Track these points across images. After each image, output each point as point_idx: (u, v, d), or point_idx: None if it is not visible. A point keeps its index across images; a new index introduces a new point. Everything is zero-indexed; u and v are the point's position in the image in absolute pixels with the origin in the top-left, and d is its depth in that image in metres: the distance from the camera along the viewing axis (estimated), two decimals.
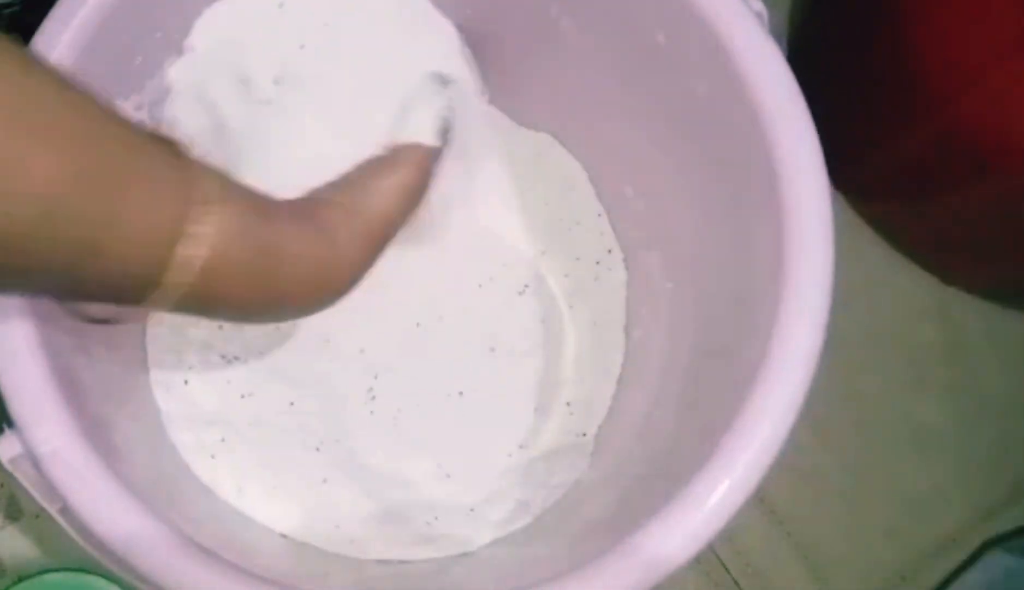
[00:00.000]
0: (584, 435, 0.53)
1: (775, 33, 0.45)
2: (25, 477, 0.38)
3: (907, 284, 0.71)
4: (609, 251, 0.56)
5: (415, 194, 0.43)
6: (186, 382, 0.52)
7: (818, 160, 0.41)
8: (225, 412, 0.52)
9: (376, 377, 0.53)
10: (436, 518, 0.50)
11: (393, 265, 0.53)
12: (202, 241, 0.32)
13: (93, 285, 0.31)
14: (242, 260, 0.34)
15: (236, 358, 0.53)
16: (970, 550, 0.67)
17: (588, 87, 0.53)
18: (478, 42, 0.52)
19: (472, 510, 0.51)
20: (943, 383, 0.70)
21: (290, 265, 0.36)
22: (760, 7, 0.44)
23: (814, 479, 0.68)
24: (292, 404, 0.53)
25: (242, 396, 0.52)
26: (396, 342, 0.54)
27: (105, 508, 0.37)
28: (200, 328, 0.52)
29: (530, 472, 0.52)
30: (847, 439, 0.69)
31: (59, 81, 0.29)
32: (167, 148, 0.32)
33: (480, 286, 0.55)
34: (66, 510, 0.38)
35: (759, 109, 0.42)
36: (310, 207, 0.39)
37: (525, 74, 0.55)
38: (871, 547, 0.67)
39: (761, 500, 0.67)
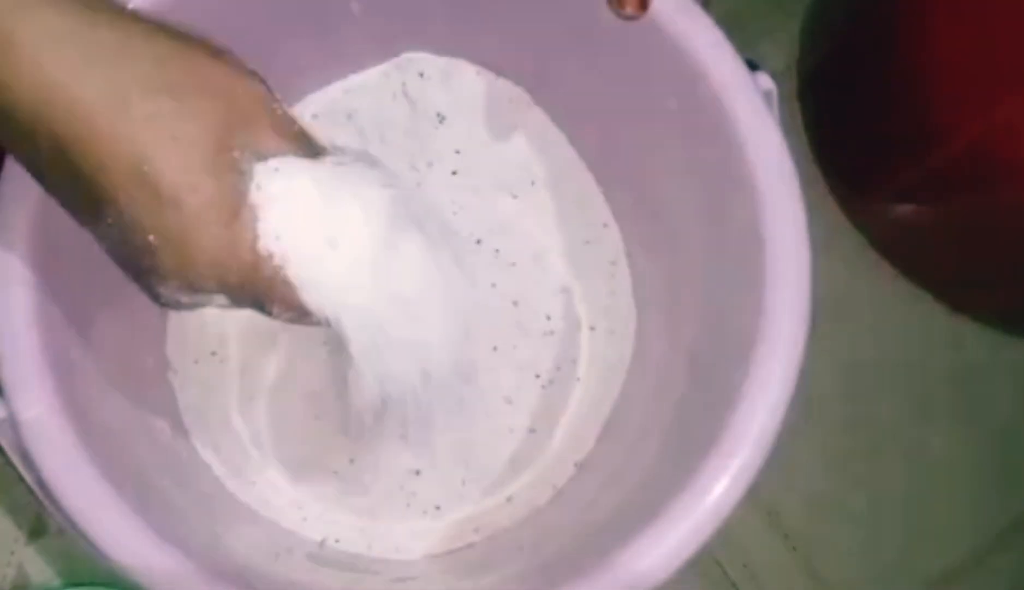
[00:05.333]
0: (575, 465, 0.55)
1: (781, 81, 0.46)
2: (7, 443, 0.40)
3: (918, 313, 0.71)
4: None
5: None
6: (196, 361, 0.54)
7: (803, 236, 0.43)
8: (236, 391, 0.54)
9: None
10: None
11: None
12: None
13: None
14: None
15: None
16: (980, 577, 0.67)
17: (604, 141, 0.55)
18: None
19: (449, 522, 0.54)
20: (954, 411, 0.70)
21: None
22: (770, 85, 0.45)
23: (826, 504, 0.68)
24: (310, 394, 0.55)
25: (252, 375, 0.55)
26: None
27: (72, 480, 0.38)
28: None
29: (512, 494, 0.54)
30: (859, 465, 0.69)
31: None
32: None
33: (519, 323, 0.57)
34: (41, 481, 0.39)
35: (754, 186, 0.43)
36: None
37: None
38: (882, 572, 0.67)
39: (774, 523, 0.67)
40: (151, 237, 0.33)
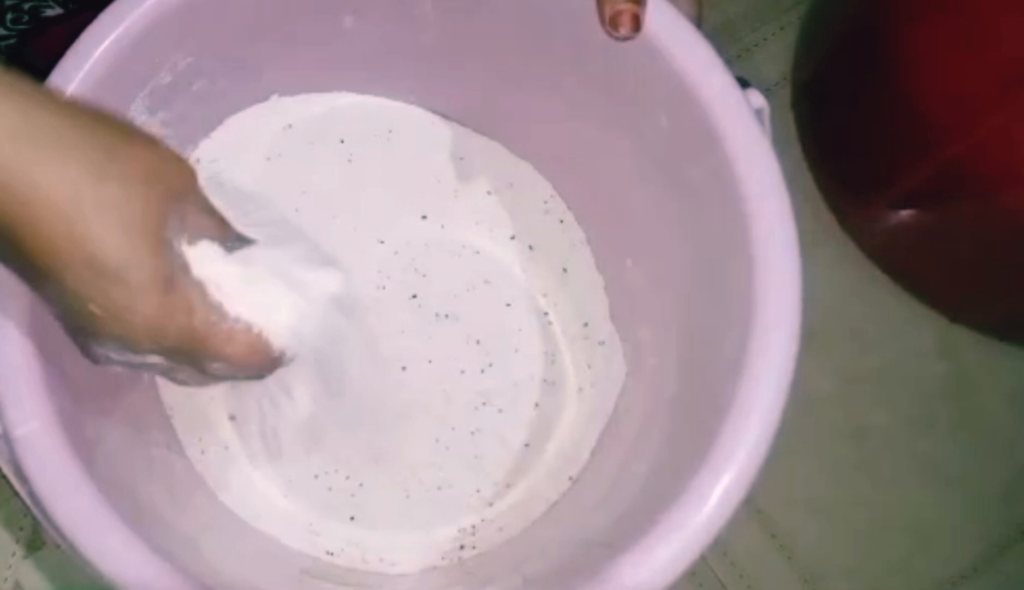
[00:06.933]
0: (569, 479, 0.55)
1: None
2: (2, 458, 0.40)
3: (914, 322, 0.72)
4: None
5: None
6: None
7: (794, 255, 0.43)
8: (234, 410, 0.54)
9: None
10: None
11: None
12: None
13: None
14: None
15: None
16: (979, 587, 0.67)
17: (598, 156, 0.55)
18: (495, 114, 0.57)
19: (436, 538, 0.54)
20: (951, 419, 0.70)
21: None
22: (761, 103, 0.45)
23: (823, 514, 0.68)
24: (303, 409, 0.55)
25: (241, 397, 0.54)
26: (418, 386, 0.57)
27: (65, 494, 0.39)
28: None
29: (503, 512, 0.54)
30: (856, 475, 0.69)
31: None
32: None
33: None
34: (35, 495, 0.39)
35: (743, 203, 0.43)
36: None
37: (535, 137, 0.58)
38: (880, 582, 0.67)
39: (771, 534, 0.67)
40: (93, 308, 0.35)
